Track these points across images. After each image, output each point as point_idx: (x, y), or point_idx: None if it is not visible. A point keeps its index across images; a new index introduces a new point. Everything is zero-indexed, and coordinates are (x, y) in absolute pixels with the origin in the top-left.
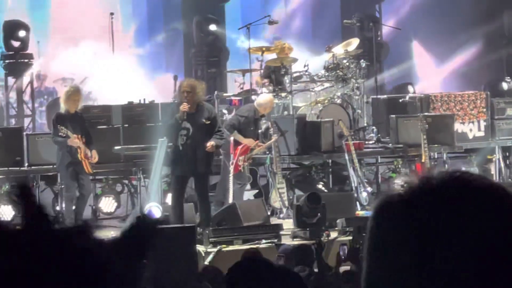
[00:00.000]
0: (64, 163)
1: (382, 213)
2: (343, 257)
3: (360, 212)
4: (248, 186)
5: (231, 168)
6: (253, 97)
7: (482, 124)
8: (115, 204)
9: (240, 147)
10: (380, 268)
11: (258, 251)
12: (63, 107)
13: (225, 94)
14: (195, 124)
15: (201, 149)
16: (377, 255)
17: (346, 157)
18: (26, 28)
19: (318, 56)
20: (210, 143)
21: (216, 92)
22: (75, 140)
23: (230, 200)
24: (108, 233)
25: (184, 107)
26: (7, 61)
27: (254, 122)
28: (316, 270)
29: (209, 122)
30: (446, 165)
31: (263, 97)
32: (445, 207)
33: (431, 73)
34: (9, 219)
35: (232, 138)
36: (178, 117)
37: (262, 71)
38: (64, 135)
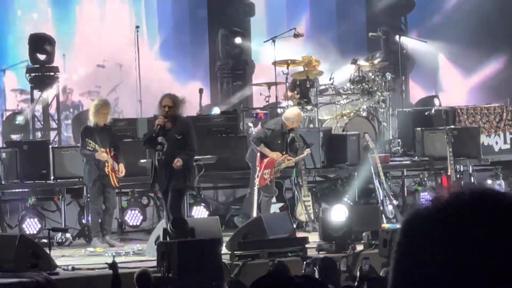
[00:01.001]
0: (92, 177)
1: (411, 228)
2: (365, 272)
3: (386, 225)
4: (274, 199)
5: (256, 181)
6: (278, 110)
7: (508, 136)
8: (141, 217)
9: (265, 160)
10: (407, 282)
11: (285, 265)
12: (91, 120)
13: (250, 107)
14: (169, 139)
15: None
16: (405, 269)
17: (372, 170)
18: (51, 41)
19: (343, 69)
20: (177, 160)
21: (241, 105)
22: (103, 154)
23: (254, 213)
24: (134, 247)
25: (159, 121)
26: (32, 74)
27: (282, 135)
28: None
29: (181, 137)
30: (472, 178)
31: (291, 111)
32: (476, 223)
33: (457, 85)
34: (34, 232)
35: (259, 152)
36: (154, 131)
37: (288, 84)
38: (92, 149)
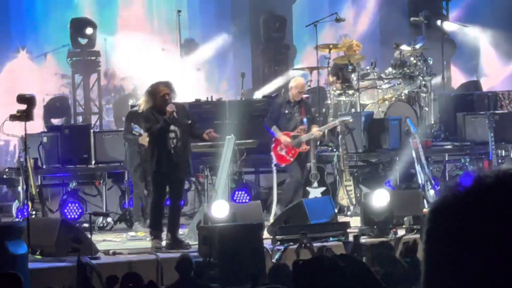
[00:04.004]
0: (133, 162)
1: (438, 215)
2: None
3: (427, 210)
4: (315, 184)
5: (274, 165)
6: (320, 94)
7: None
8: (182, 202)
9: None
10: (438, 271)
11: (330, 250)
12: (141, 105)
13: None
14: (181, 126)
15: (187, 151)
16: (434, 257)
17: (413, 155)
18: (93, 25)
19: (385, 54)
20: (209, 131)
21: (283, 90)
22: (146, 139)
23: (274, 200)
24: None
25: (173, 108)
26: (74, 58)
27: (284, 105)
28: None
29: (190, 121)
30: None
31: (294, 79)
32: (501, 206)
33: (498, 70)
34: (76, 217)
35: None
36: (167, 119)
37: (329, 68)
38: (138, 133)
